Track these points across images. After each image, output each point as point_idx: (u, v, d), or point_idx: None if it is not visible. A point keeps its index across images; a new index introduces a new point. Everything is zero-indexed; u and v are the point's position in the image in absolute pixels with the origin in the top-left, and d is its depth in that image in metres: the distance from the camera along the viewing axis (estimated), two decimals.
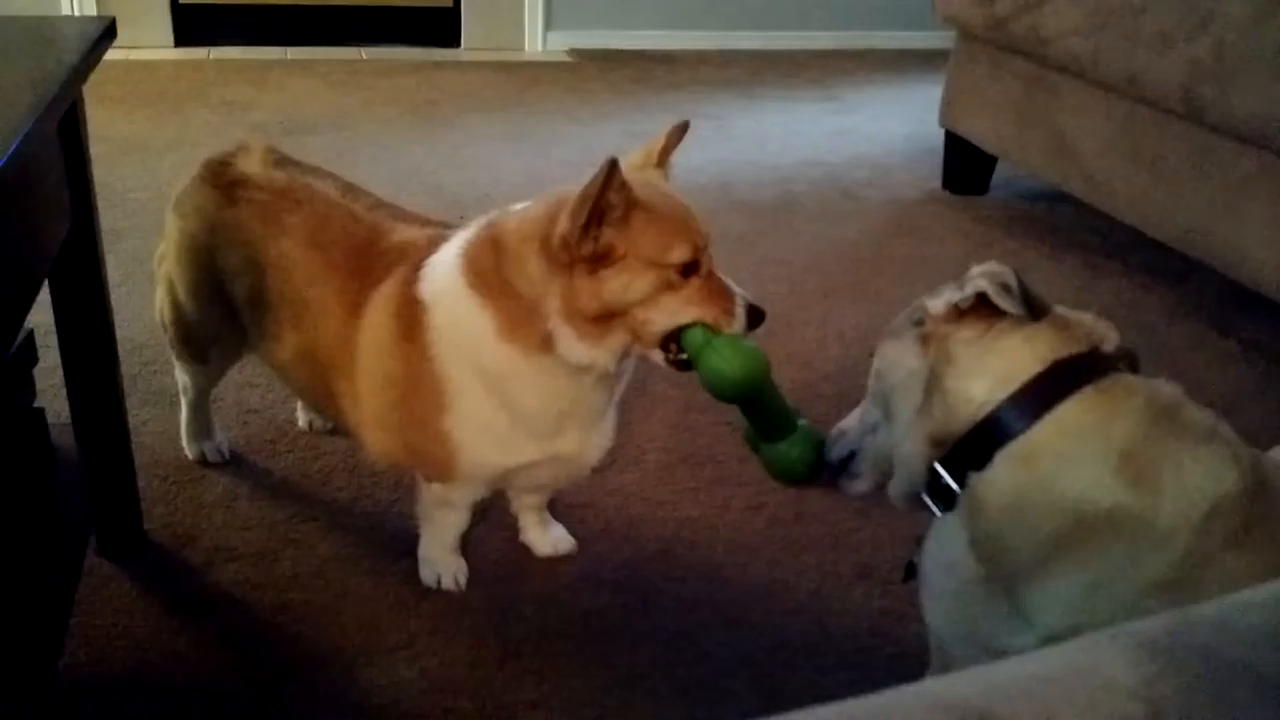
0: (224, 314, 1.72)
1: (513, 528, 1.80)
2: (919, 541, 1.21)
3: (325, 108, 4.07)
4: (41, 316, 1.50)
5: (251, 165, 1.70)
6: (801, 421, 1.43)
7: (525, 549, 1.79)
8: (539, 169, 3.57)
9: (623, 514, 1.88)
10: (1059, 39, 2.90)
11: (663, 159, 1.52)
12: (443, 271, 1.47)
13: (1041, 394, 1.06)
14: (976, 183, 3.55)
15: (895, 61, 5.31)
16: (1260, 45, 2.33)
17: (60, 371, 1.62)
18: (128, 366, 2.19)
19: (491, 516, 1.83)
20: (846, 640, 1.63)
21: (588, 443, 1.56)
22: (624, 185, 1.31)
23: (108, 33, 1.45)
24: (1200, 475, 1.00)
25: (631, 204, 1.33)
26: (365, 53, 4.92)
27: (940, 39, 4.02)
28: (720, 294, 1.39)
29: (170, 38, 4.75)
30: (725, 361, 1.35)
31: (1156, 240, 2.74)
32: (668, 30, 5.32)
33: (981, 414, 1.08)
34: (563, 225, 1.33)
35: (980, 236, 3.20)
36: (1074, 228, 3.21)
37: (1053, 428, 1.04)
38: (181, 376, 1.91)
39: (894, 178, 3.68)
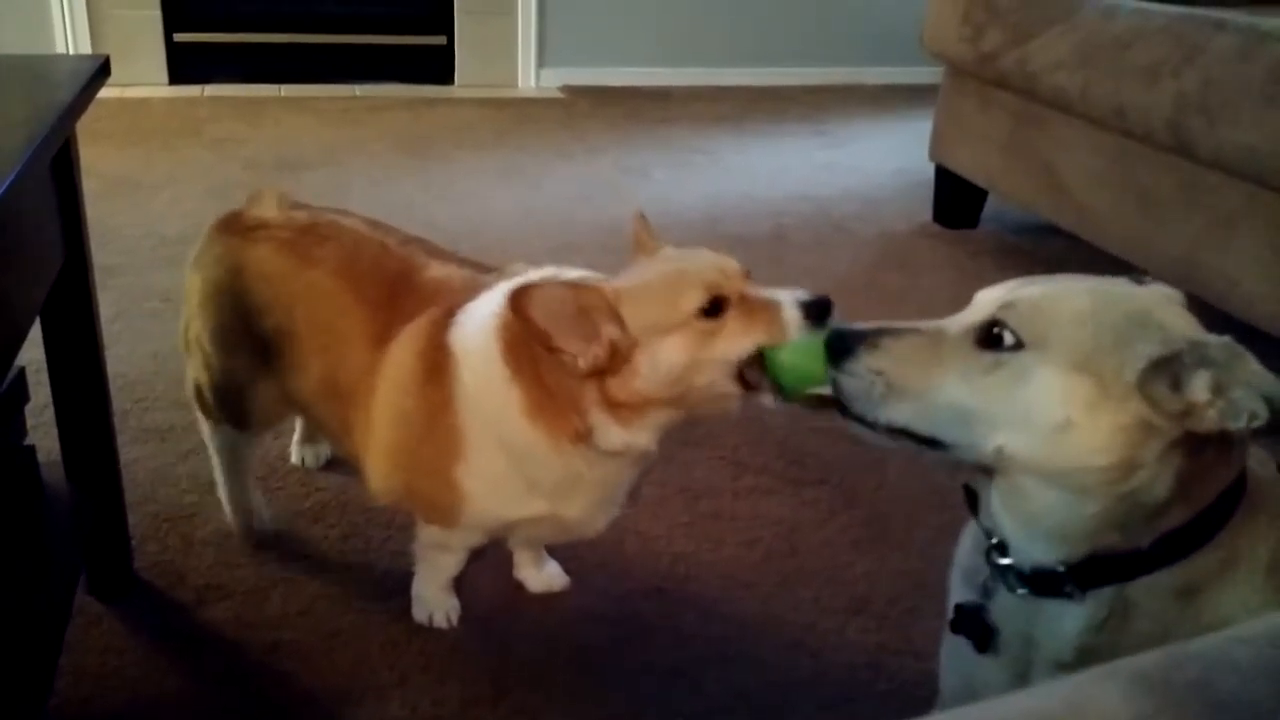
0: (254, 358, 1.65)
1: (507, 563, 1.79)
2: (977, 610, 1.05)
3: (319, 144, 4.09)
4: (33, 353, 1.50)
5: (268, 210, 1.66)
6: None
7: (519, 585, 1.78)
8: (531, 204, 3.58)
9: (616, 549, 1.87)
10: (1047, 73, 2.92)
11: (649, 245, 1.42)
12: (478, 326, 1.41)
13: (1211, 521, 0.93)
14: (967, 216, 3.57)
15: (884, 96, 5.35)
16: (1247, 79, 2.35)
17: (51, 409, 1.61)
18: (119, 404, 2.18)
19: (485, 552, 1.81)
20: (842, 675, 1.62)
21: (599, 511, 1.51)
22: (577, 291, 1.28)
23: (101, 70, 1.46)
24: None
25: (611, 296, 1.29)
26: (359, 90, 4.95)
27: (929, 74, 4.05)
28: (762, 309, 1.27)
29: (165, 75, 4.78)
30: (790, 373, 1.23)
31: (1147, 272, 2.76)
32: (660, 67, 5.37)
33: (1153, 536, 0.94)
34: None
35: (971, 269, 3.22)
36: (1065, 260, 3.22)
37: (1215, 559, 0.93)
38: (213, 444, 1.80)
39: (884, 211, 3.70)
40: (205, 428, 1.80)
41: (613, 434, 1.34)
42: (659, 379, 1.29)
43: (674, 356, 1.28)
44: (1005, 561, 1.01)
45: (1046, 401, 0.91)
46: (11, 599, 1.37)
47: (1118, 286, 0.99)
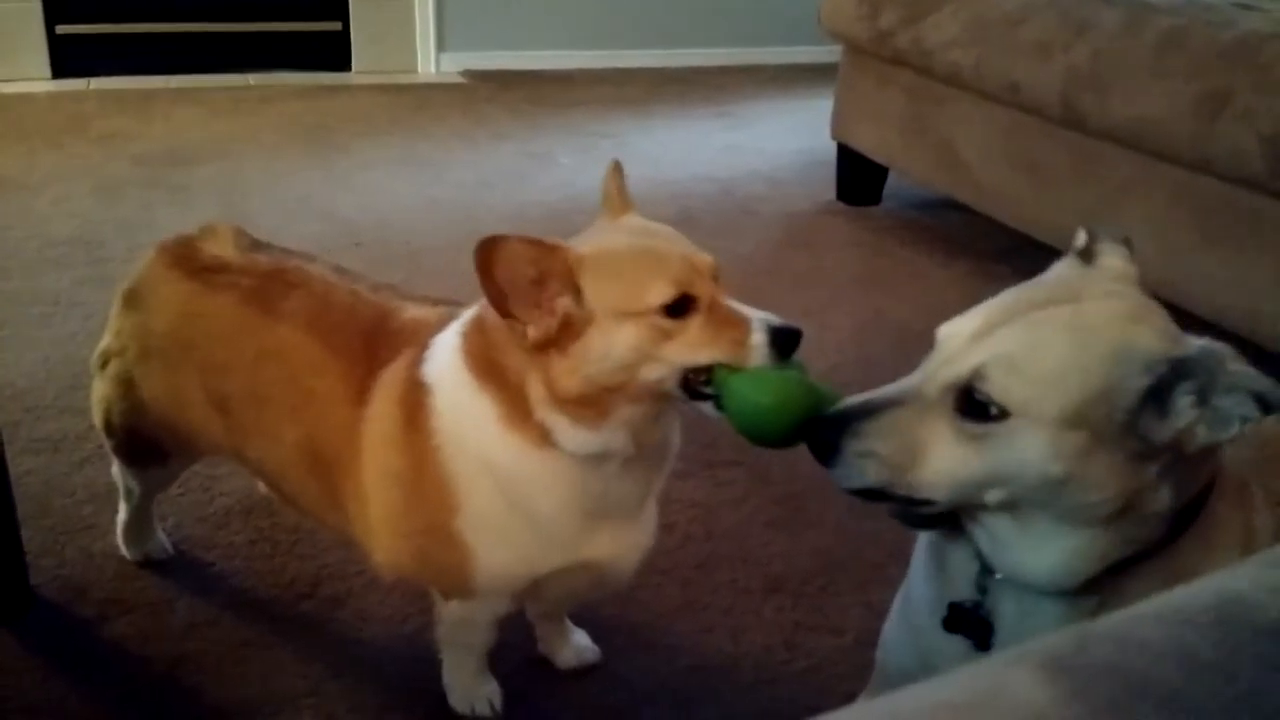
0: (204, 415, 1.51)
1: None
2: (975, 607, 1.04)
3: (211, 137, 3.97)
4: None
5: (224, 249, 1.51)
6: None
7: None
8: (434, 193, 3.53)
9: None
10: (941, 50, 2.96)
11: (618, 202, 1.37)
12: (445, 350, 1.31)
13: (1194, 507, 0.96)
14: (869, 193, 3.61)
15: (785, 76, 5.39)
16: (1134, 52, 2.41)
17: None
18: (8, 414, 2.10)
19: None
20: (761, 656, 1.63)
21: (623, 543, 1.35)
22: (540, 252, 1.17)
23: None
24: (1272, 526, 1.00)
25: (574, 262, 1.18)
26: (252, 79, 4.82)
27: (828, 53, 4.08)
28: (729, 324, 1.18)
29: (47, 69, 4.60)
30: (745, 401, 1.13)
31: (1044, 243, 2.82)
32: (561, 50, 5.33)
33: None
34: (497, 321, 1.20)
35: (874, 246, 3.25)
36: (964, 234, 3.28)
37: (1195, 542, 0.96)
38: (126, 480, 1.69)
39: (788, 191, 3.73)
40: (115, 460, 1.69)
41: (574, 436, 1.22)
42: (607, 365, 1.17)
43: (625, 345, 1.17)
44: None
45: (1041, 461, 0.90)
46: None
47: (1088, 307, 0.96)
